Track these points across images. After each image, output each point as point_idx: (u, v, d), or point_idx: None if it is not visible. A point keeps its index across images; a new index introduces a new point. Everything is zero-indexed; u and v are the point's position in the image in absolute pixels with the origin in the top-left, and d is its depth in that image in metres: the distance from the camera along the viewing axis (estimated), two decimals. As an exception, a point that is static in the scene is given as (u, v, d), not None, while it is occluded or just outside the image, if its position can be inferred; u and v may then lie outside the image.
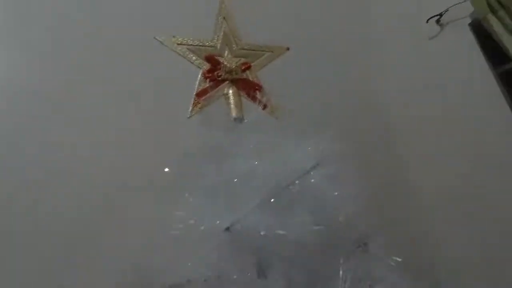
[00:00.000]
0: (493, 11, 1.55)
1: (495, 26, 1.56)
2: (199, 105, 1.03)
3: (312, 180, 0.90)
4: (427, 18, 1.80)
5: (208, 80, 1.08)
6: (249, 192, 0.85)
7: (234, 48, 1.16)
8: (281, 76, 1.25)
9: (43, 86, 1.29)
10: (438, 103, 1.83)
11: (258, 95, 1.12)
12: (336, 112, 1.71)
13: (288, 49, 1.24)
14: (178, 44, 1.10)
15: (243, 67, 1.13)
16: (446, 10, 1.76)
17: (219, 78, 1.09)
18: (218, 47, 1.15)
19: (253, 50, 1.18)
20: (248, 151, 0.94)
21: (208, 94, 1.05)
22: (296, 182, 0.87)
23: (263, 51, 1.20)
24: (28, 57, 1.31)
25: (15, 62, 1.30)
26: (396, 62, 1.98)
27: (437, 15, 1.78)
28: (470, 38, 1.76)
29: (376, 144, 1.83)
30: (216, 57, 1.12)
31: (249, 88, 1.12)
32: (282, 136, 0.96)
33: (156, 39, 1.09)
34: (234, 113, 1.05)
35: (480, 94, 1.73)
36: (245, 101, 1.13)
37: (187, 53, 1.10)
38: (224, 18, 1.17)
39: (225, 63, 1.12)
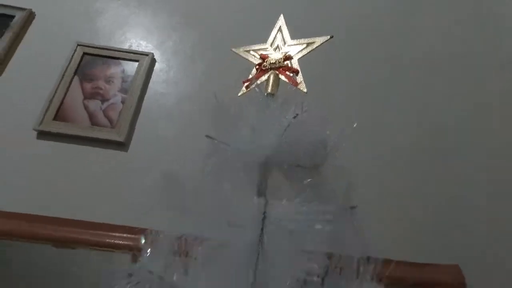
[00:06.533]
0: None
1: None
2: (247, 88, 1.41)
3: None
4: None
5: (258, 69, 1.46)
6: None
7: (282, 45, 1.50)
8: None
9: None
10: None
11: (293, 76, 1.38)
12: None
13: (332, 37, 1.44)
14: (245, 51, 1.55)
15: (284, 58, 1.43)
16: None
17: (264, 68, 1.44)
18: (272, 47, 1.51)
19: (297, 44, 1.47)
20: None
21: (252, 78, 1.42)
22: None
23: (306, 43, 1.46)
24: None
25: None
26: None
27: None
28: None
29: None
30: (265, 54, 1.49)
31: (286, 72, 1.40)
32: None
33: (232, 50, 1.59)
34: (268, 89, 1.36)
35: None
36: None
37: (249, 55, 1.53)
38: (279, 29, 1.54)
39: (272, 56, 1.47)
